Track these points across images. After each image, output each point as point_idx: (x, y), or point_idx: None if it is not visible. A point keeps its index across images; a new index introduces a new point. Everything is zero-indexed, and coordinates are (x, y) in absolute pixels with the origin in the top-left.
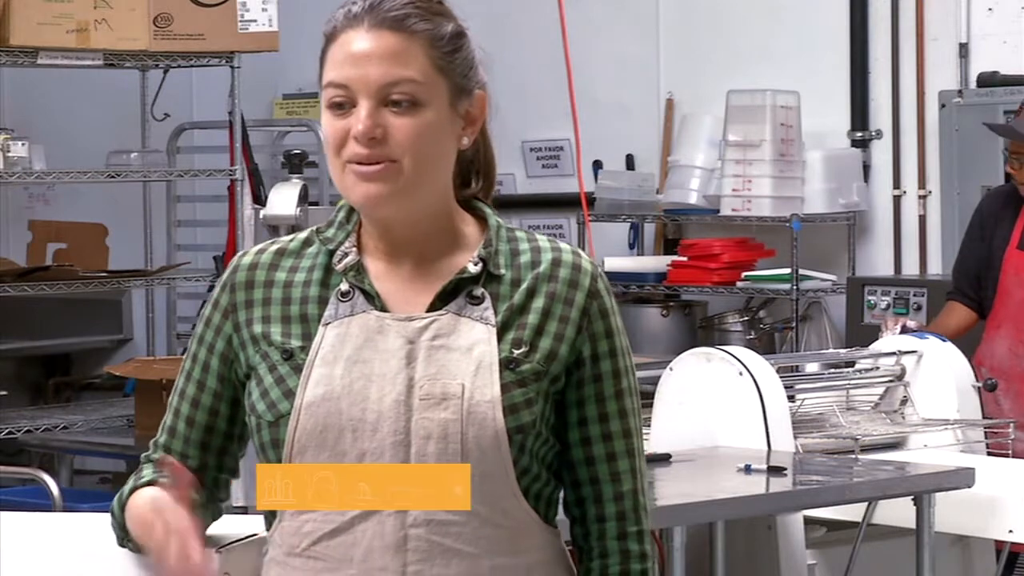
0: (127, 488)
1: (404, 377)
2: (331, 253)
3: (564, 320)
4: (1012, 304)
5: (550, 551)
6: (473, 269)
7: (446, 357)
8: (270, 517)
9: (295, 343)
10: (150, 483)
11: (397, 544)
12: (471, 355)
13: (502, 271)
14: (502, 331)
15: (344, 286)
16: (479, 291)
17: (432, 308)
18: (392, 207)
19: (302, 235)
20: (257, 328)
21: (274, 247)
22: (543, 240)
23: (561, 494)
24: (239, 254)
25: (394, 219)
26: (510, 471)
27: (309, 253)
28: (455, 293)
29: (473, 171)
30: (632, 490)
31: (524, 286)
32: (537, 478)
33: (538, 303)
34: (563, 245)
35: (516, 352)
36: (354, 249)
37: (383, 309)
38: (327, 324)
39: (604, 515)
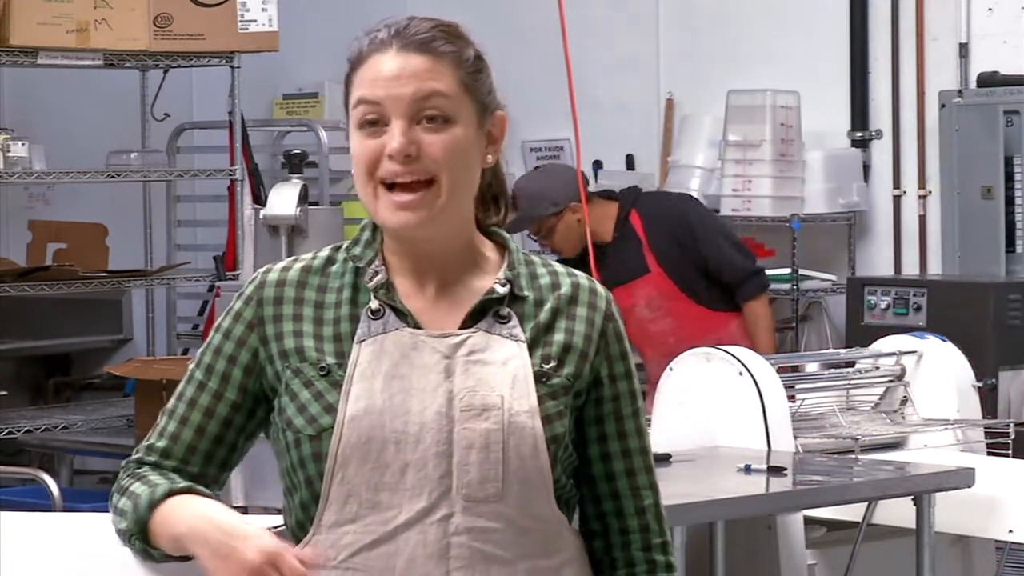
0: (159, 491)
1: (444, 390)
2: (357, 271)
3: (587, 340)
4: (635, 333)
5: (576, 550)
6: (501, 290)
7: (483, 370)
8: (299, 532)
9: (331, 360)
10: (189, 490)
11: (440, 553)
12: (506, 368)
13: (525, 292)
14: (531, 347)
15: (374, 304)
16: (505, 311)
17: (463, 326)
18: (427, 229)
19: (323, 253)
20: (289, 343)
21: (299, 264)
22: (558, 266)
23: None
24: (263, 270)
25: (422, 239)
26: (547, 479)
27: (334, 272)
28: (482, 313)
29: (490, 196)
30: (653, 504)
31: (548, 306)
32: (564, 486)
33: (563, 323)
34: (577, 271)
35: (546, 367)
36: (383, 268)
37: (416, 327)
38: (361, 341)
39: (627, 528)
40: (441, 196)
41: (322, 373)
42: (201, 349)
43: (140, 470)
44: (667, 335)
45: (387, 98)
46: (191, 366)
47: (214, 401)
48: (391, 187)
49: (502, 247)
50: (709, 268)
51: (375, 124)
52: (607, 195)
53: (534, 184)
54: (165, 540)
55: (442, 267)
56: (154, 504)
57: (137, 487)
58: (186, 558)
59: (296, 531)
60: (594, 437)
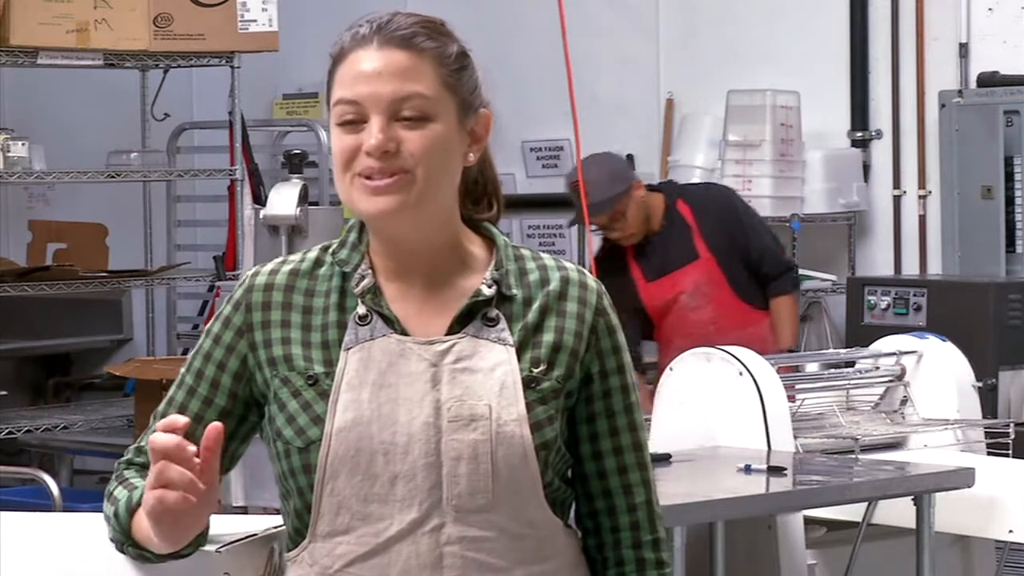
0: (135, 495)
1: (431, 400)
2: (344, 275)
3: (577, 337)
4: (673, 323)
5: (572, 553)
6: (487, 292)
7: (470, 379)
8: (296, 537)
9: (319, 368)
10: None
11: (433, 563)
12: (494, 376)
13: (513, 291)
14: (520, 350)
15: (362, 309)
16: (493, 313)
17: (450, 331)
18: (402, 220)
19: (311, 254)
20: (277, 350)
21: (287, 267)
22: (548, 259)
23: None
24: (251, 273)
25: (403, 234)
26: (538, 486)
27: (322, 275)
28: (470, 316)
29: (481, 193)
30: (645, 501)
31: (536, 305)
32: (558, 489)
33: (551, 322)
34: (567, 263)
35: (535, 371)
36: (370, 272)
37: (403, 332)
38: (348, 349)
39: (618, 526)
40: (416, 183)
41: (310, 383)
42: (192, 353)
43: (127, 473)
44: (707, 324)
45: (367, 96)
46: (182, 370)
47: (204, 407)
48: (367, 178)
49: (491, 243)
50: (751, 258)
51: (354, 123)
52: (648, 187)
53: (592, 171)
54: (146, 541)
55: (428, 267)
56: (132, 510)
57: (119, 492)
58: (181, 556)
59: (293, 536)
60: (585, 436)
